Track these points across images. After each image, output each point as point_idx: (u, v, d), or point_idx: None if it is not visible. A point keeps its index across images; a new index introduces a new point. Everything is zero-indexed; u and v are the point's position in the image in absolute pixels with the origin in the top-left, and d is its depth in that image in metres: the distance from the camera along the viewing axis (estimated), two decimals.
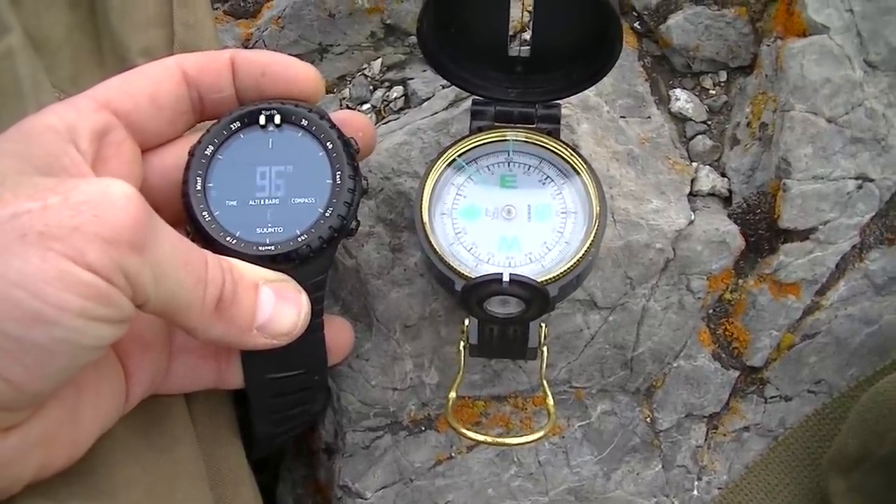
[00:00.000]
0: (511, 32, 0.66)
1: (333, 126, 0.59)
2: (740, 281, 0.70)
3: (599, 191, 0.62)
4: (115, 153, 0.56)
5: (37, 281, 0.44)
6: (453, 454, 0.68)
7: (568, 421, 0.68)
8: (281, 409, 0.65)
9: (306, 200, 0.58)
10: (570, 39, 0.62)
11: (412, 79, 0.80)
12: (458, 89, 0.66)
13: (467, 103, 0.68)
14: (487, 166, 0.64)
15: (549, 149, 0.63)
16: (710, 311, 0.70)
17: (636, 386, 0.69)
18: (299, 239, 0.57)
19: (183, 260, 0.50)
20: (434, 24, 0.60)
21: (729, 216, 0.71)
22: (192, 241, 0.54)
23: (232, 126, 0.59)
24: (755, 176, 0.72)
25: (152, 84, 0.58)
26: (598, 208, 0.61)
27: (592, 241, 0.59)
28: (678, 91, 0.77)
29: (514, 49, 0.64)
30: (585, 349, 0.68)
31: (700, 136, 0.76)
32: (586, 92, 0.66)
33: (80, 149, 0.53)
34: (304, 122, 0.59)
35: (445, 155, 0.63)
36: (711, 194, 0.73)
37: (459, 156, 0.63)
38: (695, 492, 0.68)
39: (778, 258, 0.69)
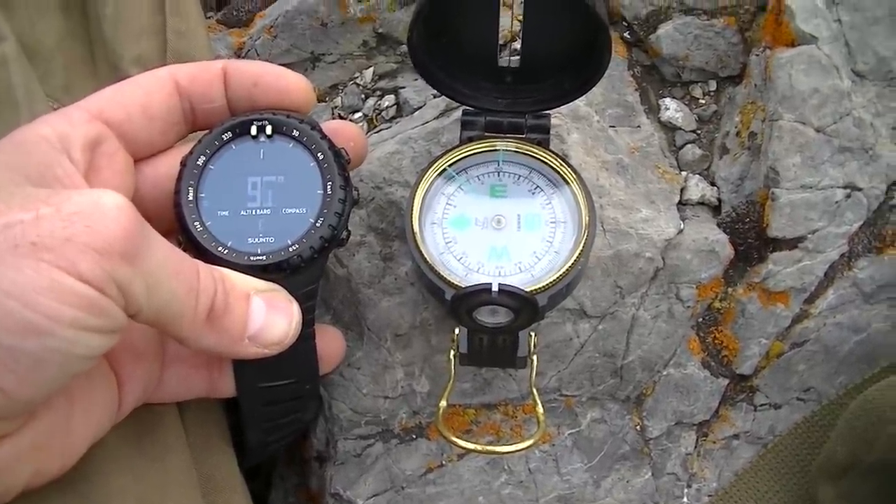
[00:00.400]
0: (501, 42, 0.67)
1: (324, 136, 0.60)
2: (729, 289, 0.70)
3: (589, 200, 0.62)
4: (108, 163, 0.56)
5: (29, 291, 0.44)
6: (444, 462, 0.68)
7: (558, 429, 0.69)
8: (272, 418, 0.65)
9: (297, 211, 0.58)
10: (559, 49, 0.62)
11: (404, 87, 0.80)
12: (448, 99, 0.67)
13: (458, 113, 0.68)
14: (477, 176, 0.64)
15: (538, 159, 0.64)
16: (700, 319, 0.70)
17: (626, 394, 0.69)
18: (290, 249, 0.57)
19: (175, 270, 0.50)
20: (424, 34, 0.60)
21: (718, 225, 0.71)
22: (184, 251, 0.54)
23: (224, 136, 0.59)
24: (744, 185, 0.72)
25: (144, 95, 0.59)
26: (587, 218, 0.61)
27: (582, 250, 0.60)
28: (668, 100, 0.78)
29: (504, 59, 0.64)
30: (575, 358, 0.68)
31: (689, 146, 0.76)
32: (576, 102, 0.66)
33: (73, 159, 0.53)
34: (296, 133, 0.59)
35: (436, 165, 0.63)
36: (701, 203, 0.73)
37: (450, 165, 0.64)
38: (684, 499, 0.68)
39: (767, 267, 0.69)
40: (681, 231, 0.70)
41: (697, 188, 0.73)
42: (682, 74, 0.78)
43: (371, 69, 0.81)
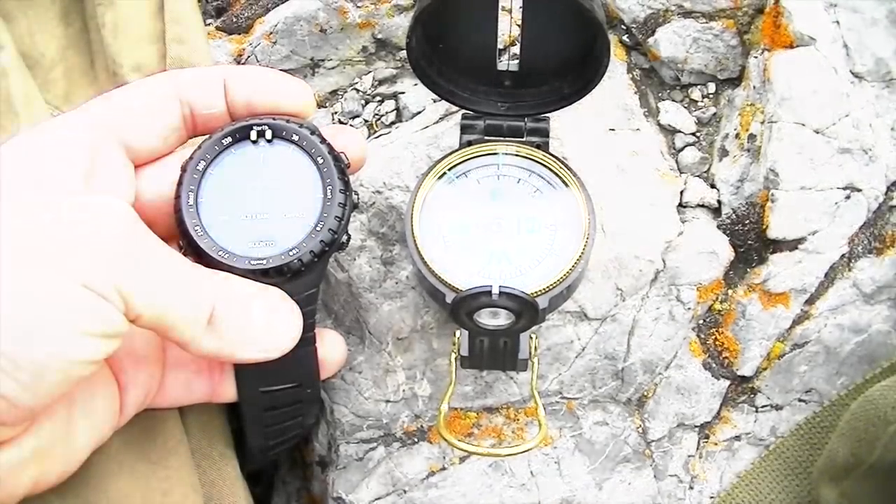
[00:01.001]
0: (500, 46, 0.67)
1: (324, 141, 0.60)
2: (730, 291, 0.70)
3: (589, 203, 0.62)
4: (108, 169, 0.56)
5: (31, 297, 0.44)
6: (446, 465, 0.68)
7: (560, 431, 0.69)
8: (274, 423, 0.65)
9: (297, 215, 0.58)
10: (558, 53, 0.62)
11: (403, 93, 0.80)
12: (448, 103, 0.67)
13: (457, 117, 0.68)
14: (477, 179, 0.64)
15: (538, 162, 0.64)
16: (701, 321, 0.70)
17: (627, 396, 0.69)
18: (290, 253, 0.57)
19: (175, 275, 0.51)
20: (423, 39, 0.61)
21: (718, 227, 0.71)
22: (185, 255, 0.54)
23: (223, 141, 0.59)
24: (744, 187, 0.72)
25: (144, 100, 0.59)
26: (587, 220, 0.61)
27: (582, 253, 0.60)
28: (667, 103, 0.78)
29: (503, 63, 0.64)
30: (576, 360, 0.68)
31: (689, 148, 0.76)
32: (575, 105, 0.66)
33: (74, 165, 0.53)
34: (295, 138, 0.59)
35: (436, 168, 0.64)
36: (700, 206, 0.73)
37: (449, 169, 0.64)
38: (687, 501, 0.68)
39: (767, 268, 0.69)
40: (681, 233, 0.70)
41: (697, 190, 0.73)
42: (681, 77, 0.78)
43: (371, 75, 0.81)
